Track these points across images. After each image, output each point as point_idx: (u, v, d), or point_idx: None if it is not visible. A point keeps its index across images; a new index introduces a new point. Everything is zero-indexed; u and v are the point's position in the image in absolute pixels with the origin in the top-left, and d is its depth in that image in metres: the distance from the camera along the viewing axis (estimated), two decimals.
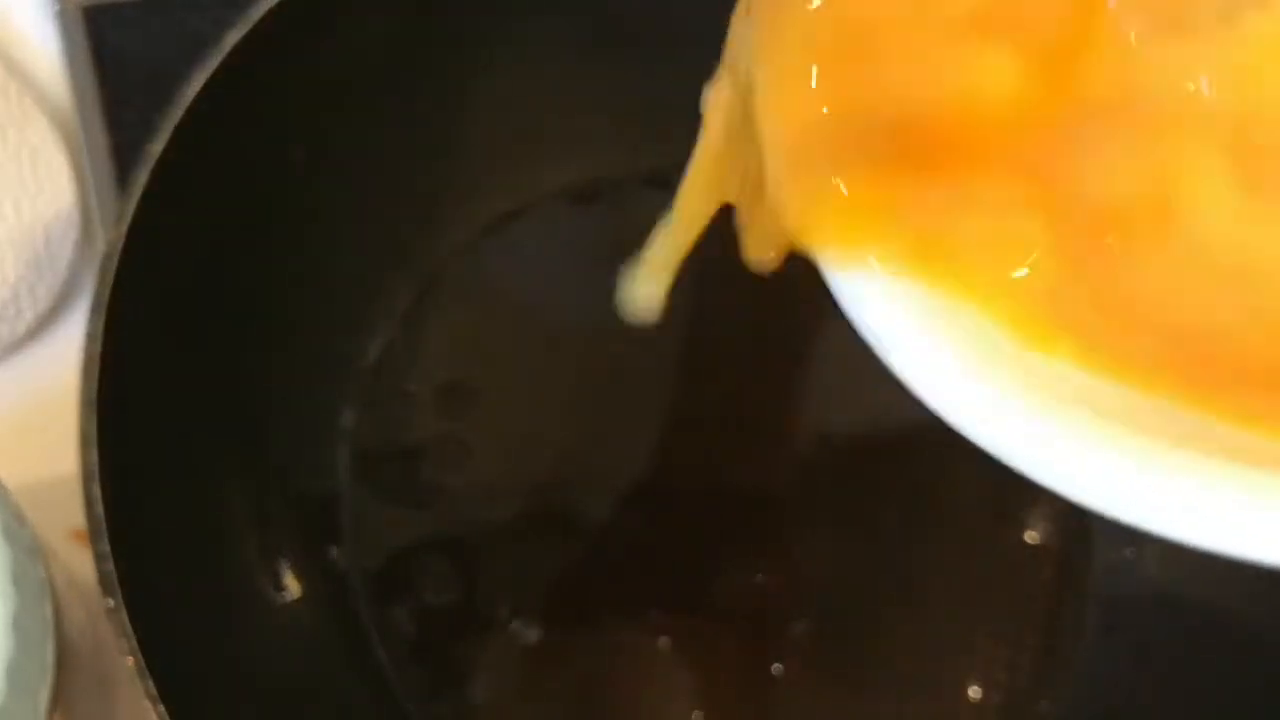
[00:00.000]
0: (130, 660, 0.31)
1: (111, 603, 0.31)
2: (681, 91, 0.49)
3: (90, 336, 0.34)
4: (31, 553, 0.31)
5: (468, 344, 0.48)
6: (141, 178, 0.35)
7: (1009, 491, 0.47)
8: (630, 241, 0.49)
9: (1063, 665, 0.45)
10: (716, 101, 0.27)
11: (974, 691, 0.44)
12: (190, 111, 0.37)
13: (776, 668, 0.44)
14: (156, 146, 0.36)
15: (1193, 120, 0.21)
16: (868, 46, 0.23)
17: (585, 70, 0.47)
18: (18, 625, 0.29)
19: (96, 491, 0.32)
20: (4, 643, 0.29)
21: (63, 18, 0.51)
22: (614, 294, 0.49)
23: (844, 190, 0.22)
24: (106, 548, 0.32)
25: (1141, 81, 0.21)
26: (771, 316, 0.48)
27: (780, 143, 0.24)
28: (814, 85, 0.23)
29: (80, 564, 0.35)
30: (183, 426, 0.38)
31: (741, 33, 0.26)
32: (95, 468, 0.32)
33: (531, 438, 0.46)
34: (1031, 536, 0.46)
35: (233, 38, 0.38)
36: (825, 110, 0.23)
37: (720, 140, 0.28)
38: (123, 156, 0.49)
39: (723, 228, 0.49)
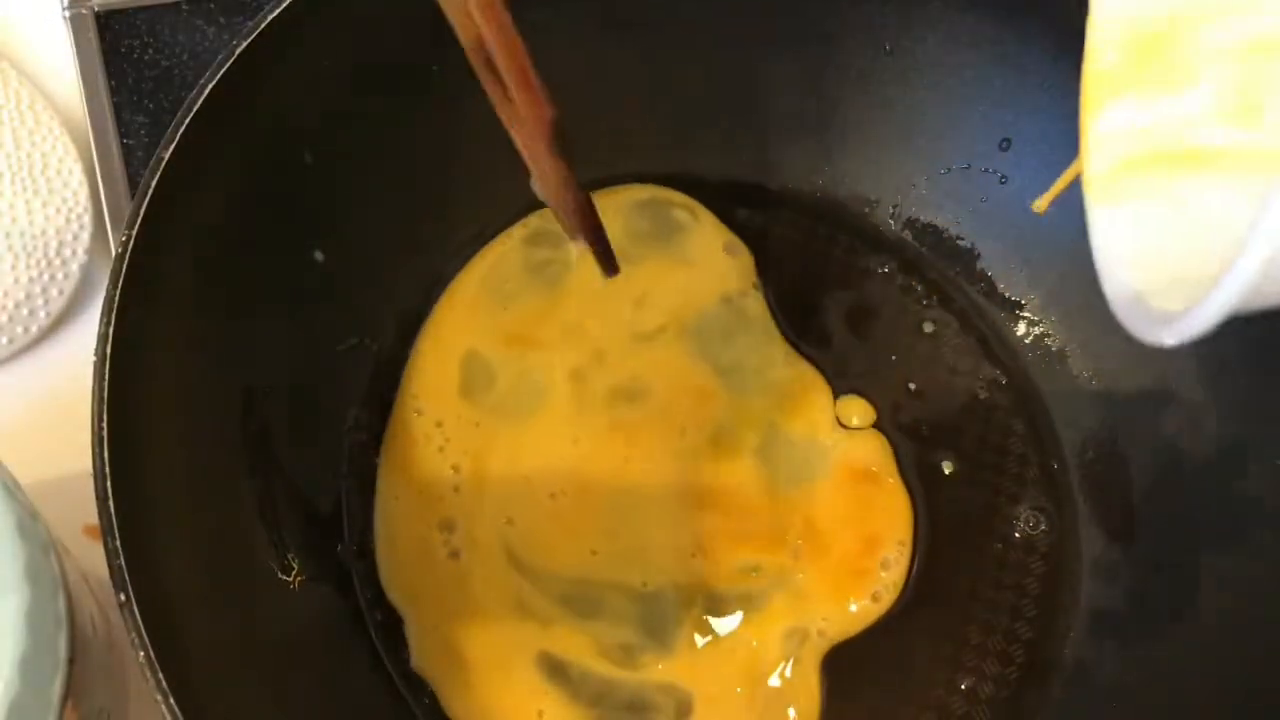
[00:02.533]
0: (141, 655, 0.31)
1: (122, 598, 0.32)
2: (679, 101, 0.50)
3: (102, 337, 0.34)
4: (45, 549, 0.32)
5: None
6: (152, 181, 0.36)
7: (1002, 488, 0.47)
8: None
9: (1052, 659, 0.45)
10: None
11: (965, 682, 0.45)
12: (200, 116, 0.37)
13: None
14: (167, 150, 0.36)
15: None
16: None
17: (588, 76, 0.48)
18: (31, 619, 0.30)
19: (108, 489, 0.33)
20: (17, 636, 0.29)
21: (75, 23, 0.52)
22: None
23: None
24: (117, 544, 0.32)
25: None
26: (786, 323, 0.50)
27: None
28: None
29: (92, 559, 0.35)
30: (193, 425, 0.39)
31: None
32: (107, 466, 0.33)
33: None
34: (1023, 533, 0.47)
35: (241, 43, 0.38)
36: None
37: None
38: (133, 160, 0.50)
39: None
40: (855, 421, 0.48)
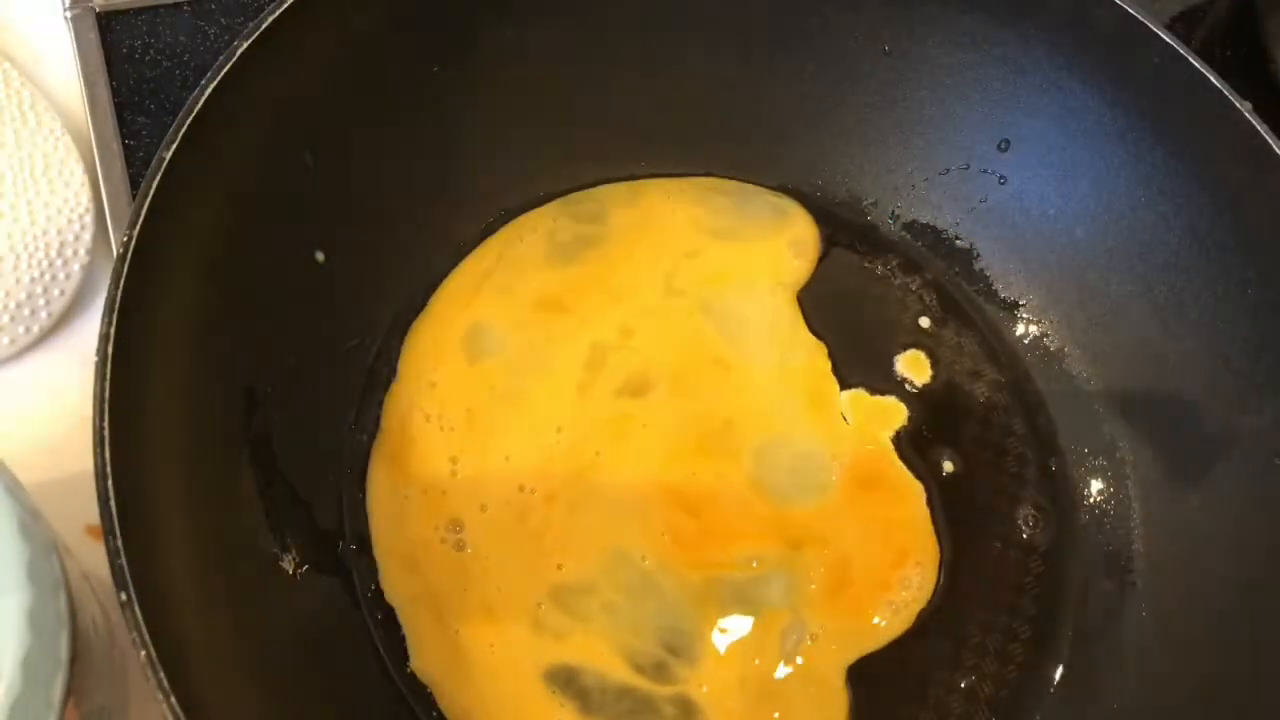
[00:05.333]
0: (142, 654, 0.31)
1: (124, 596, 0.32)
2: (666, 106, 0.50)
3: (103, 337, 0.34)
4: (46, 549, 0.32)
5: None
6: (153, 182, 0.36)
7: (1002, 488, 0.48)
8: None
9: (1051, 658, 0.45)
10: None
11: (964, 682, 0.45)
12: (201, 117, 0.37)
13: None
14: (168, 151, 0.36)
15: None
16: None
17: (577, 82, 0.48)
18: (33, 619, 0.30)
19: (109, 489, 0.33)
20: (19, 635, 0.29)
21: (76, 23, 0.52)
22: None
23: None
24: (119, 544, 0.32)
25: None
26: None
27: None
28: None
29: (94, 559, 0.35)
30: (193, 425, 0.39)
31: None
32: (108, 465, 0.33)
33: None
34: (1022, 533, 0.47)
35: (242, 44, 0.38)
36: None
37: None
38: (134, 160, 0.50)
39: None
40: (863, 420, 0.48)
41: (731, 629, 0.44)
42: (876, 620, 0.45)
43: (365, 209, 0.45)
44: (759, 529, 0.45)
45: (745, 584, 0.44)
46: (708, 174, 0.52)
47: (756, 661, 0.43)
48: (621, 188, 0.51)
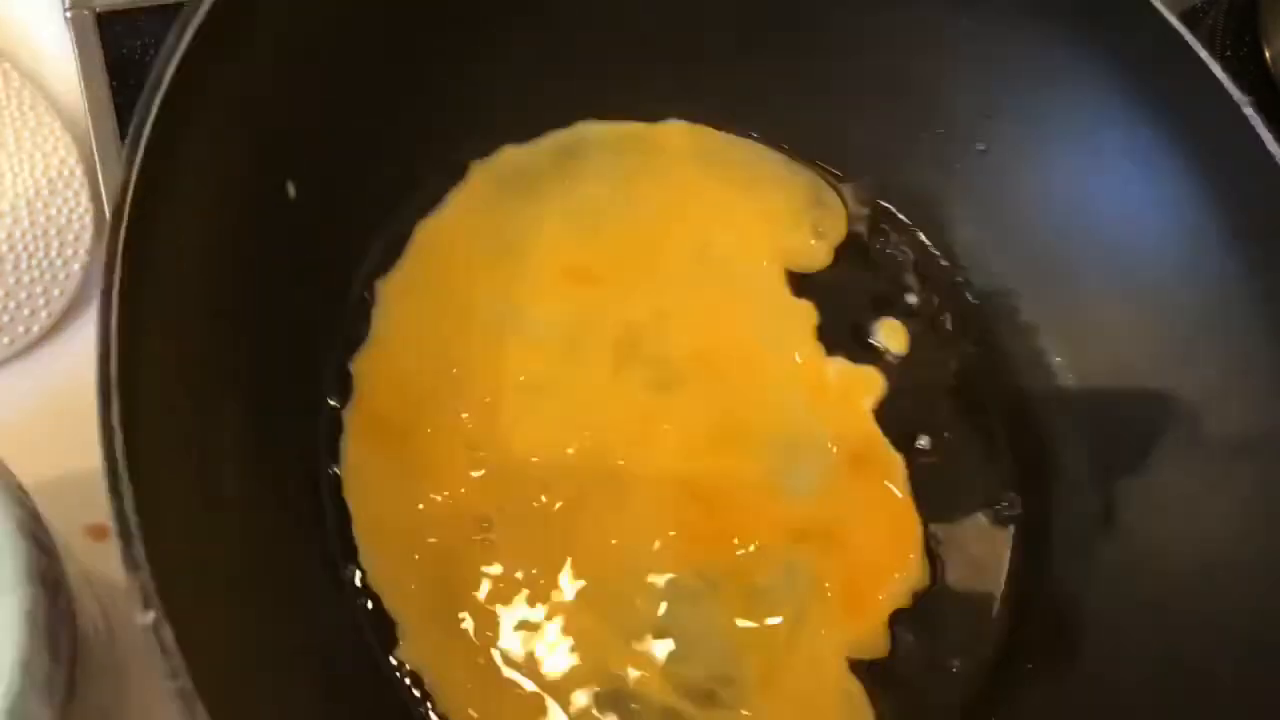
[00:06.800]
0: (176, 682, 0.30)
1: (151, 615, 0.30)
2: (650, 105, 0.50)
3: (103, 335, 0.34)
4: (46, 548, 0.32)
5: None
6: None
7: (982, 476, 0.48)
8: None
9: (1040, 645, 0.45)
10: None
11: (955, 664, 0.45)
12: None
13: None
14: (144, 130, 0.36)
15: None
16: None
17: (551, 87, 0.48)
18: (32, 619, 0.30)
19: (121, 489, 0.32)
20: (18, 636, 0.29)
21: (76, 23, 0.52)
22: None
23: None
24: (128, 545, 0.32)
25: None
26: None
27: None
28: None
29: (94, 559, 0.35)
30: (194, 423, 0.39)
31: None
32: (119, 465, 0.33)
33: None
34: (1002, 521, 0.47)
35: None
36: None
37: None
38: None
39: None
40: (846, 394, 0.48)
41: (750, 631, 0.44)
42: (883, 613, 0.45)
43: (366, 209, 0.45)
44: (772, 526, 0.45)
45: (763, 583, 0.44)
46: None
47: (776, 665, 0.43)
48: (608, 133, 0.51)
